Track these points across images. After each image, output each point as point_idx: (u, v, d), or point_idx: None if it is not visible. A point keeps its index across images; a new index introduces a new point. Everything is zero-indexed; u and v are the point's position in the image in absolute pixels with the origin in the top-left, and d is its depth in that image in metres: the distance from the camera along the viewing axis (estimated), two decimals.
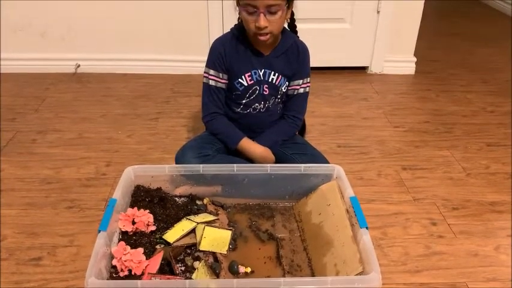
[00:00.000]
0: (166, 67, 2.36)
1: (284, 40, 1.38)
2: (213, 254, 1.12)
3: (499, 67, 2.61)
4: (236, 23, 1.40)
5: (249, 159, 1.41)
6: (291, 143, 1.47)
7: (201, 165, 1.28)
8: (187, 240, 1.14)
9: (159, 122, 1.91)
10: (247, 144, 1.40)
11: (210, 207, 1.30)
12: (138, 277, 1.01)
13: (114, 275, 1.03)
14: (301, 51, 1.40)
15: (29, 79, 2.25)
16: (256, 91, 1.40)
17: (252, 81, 1.38)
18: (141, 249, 1.06)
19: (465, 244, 1.30)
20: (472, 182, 1.58)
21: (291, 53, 1.39)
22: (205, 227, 1.16)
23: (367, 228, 1.08)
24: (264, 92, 1.40)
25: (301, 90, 1.44)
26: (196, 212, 1.25)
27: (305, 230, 1.26)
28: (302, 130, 1.64)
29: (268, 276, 1.11)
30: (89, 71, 2.34)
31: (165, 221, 1.20)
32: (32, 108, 1.99)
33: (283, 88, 1.42)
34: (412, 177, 1.59)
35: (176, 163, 1.37)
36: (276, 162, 1.40)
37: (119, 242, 1.10)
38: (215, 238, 1.15)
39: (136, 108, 2.01)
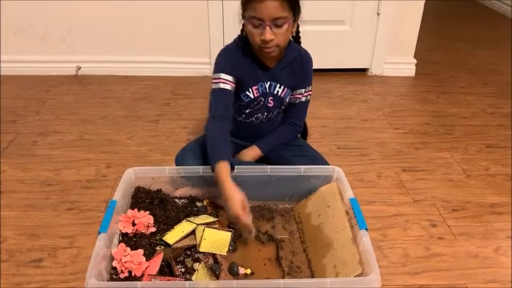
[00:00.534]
0: (167, 69, 2.36)
1: (289, 52, 1.34)
2: (213, 255, 1.12)
3: (499, 69, 2.61)
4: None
5: (249, 161, 1.40)
6: (291, 145, 1.47)
7: (201, 166, 1.29)
8: (187, 242, 1.15)
9: (160, 124, 1.91)
10: (220, 174, 1.17)
11: (210, 209, 1.30)
12: (138, 278, 1.02)
13: (114, 277, 1.03)
14: (305, 62, 1.37)
15: (30, 81, 2.25)
16: (261, 103, 1.38)
17: (258, 94, 1.36)
18: (141, 251, 1.06)
19: (465, 246, 1.30)
20: (472, 184, 1.58)
21: (295, 65, 1.36)
22: (205, 228, 1.16)
23: (366, 229, 1.08)
24: (269, 104, 1.39)
25: (303, 99, 1.42)
26: (196, 214, 1.26)
27: (305, 231, 1.26)
28: (304, 133, 1.64)
29: (268, 278, 1.11)
30: (89, 73, 2.34)
31: (165, 223, 1.20)
32: (33, 110, 1.99)
33: (287, 99, 1.41)
34: (412, 178, 1.59)
35: (176, 165, 1.38)
36: (276, 164, 1.40)
37: (119, 243, 1.10)
38: (215, 240, 1.15)
39: (137, 110, 2.02)
